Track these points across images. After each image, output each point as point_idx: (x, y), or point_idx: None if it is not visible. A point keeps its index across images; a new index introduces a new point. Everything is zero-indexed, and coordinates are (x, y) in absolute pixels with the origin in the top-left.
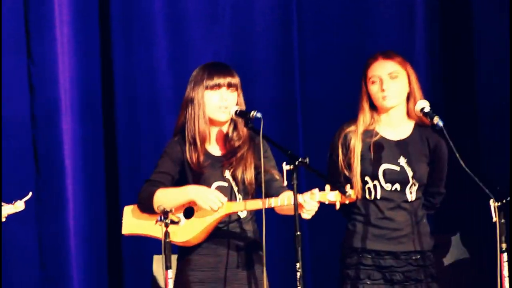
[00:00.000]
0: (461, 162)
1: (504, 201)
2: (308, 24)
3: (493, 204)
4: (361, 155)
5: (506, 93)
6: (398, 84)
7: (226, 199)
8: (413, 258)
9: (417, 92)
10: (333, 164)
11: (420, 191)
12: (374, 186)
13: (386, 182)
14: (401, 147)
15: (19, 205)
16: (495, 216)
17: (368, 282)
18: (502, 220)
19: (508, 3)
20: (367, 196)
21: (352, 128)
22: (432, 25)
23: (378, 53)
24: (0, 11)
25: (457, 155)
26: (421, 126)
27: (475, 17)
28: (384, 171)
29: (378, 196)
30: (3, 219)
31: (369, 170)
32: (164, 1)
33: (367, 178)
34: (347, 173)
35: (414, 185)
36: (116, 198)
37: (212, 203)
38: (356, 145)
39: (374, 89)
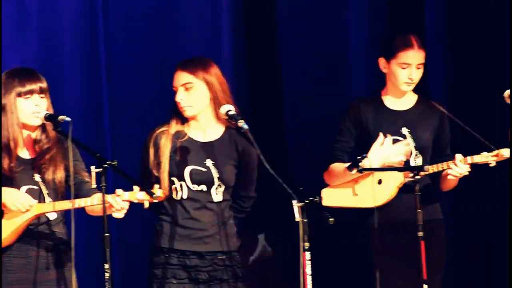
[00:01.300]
0: (266, 164)
1: (306, 201)
2: (115, 30)
3: (296, 204)
4: (170, 156)
5: (310, 98)
6: (193, 94)
7: (35, 201)
8: (219, 258)
9: (222, 96)
10: (144, 164)
11: (227, 193)
12: (181, 186)
13: (192, 183)
14: (208, 149)
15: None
16: (298, 216)
17: (174, 282)
18: (305, 219)
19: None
20: (174, 196)
21: (164, 128)
22: (237, 31)
23: (179, 65)
24: None
25: (261, 157)
26: (232, 129)
27: (278, 24)
28: (191, 172)
29: (185, 196)
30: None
31: (176, 171)
32: None
33: (173, 178)
34: (156, 173)
35: (220, 186)
36: None
37: (19, 204)
38: (166, 145)
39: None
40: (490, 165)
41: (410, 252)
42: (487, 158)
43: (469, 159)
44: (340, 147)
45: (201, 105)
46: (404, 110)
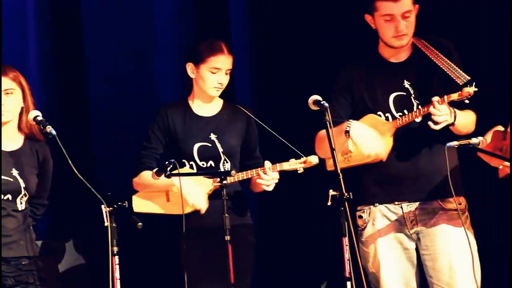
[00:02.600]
0: (74, 169)
1: (115, 206)
2: None
3: (104, 209)
4: None
5: (116, 101)
6: (12, 100)
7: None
8: (23, 263)
9: (31, 104)
10: None
11: (27, 201)
12: None
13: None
14: (15, 158)
15: None
16: (107, 221)
17: None
18: (114, 224)
19: None
20: None
21: None
22: (43, 38)
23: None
24: None
25: (70, 162)
26: (32, 139)
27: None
28: None
29: None
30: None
31: None
32: None
33: None
34: None
35: (26, 195)
36: None
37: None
38: None
39: None
40: (299, 172)
41: (219, 256)
42: (295, 165)
43: (278, 166)
44: (148, 154)
45: (15, 112)
46: (211, 116)
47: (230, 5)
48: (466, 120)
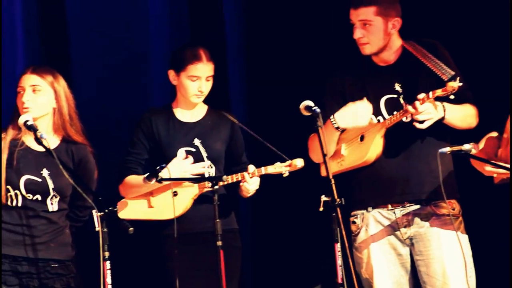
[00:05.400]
0: (65, 174)
1: (106, 211)
2: None
3: (96, 214)
4: (7, 164)
5: (106, 108)
6: (39, 98)
7: None
8: (51, 265)
9: (65, 107)
10: None
11: (64, 202)
12: (16, 194)
13: (27, 193)
14: (44, 159)
15: None
16: (98, 226)
17: None
18: (105, 229)
19: None
20: (9, 204)
21: (1, 135)
22: (31, 43)
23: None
24: None
25: (61, 167)
26: (68, 141)
27: (71, 35)
28: (25, 182)
29: (19, 205)
30: None
31: (11, 179)
32: None
33: (8, 187)
34: None
35: (56, 196)
36: None
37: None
38: (2, 152)
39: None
40: (284, 175)
41: (205, 262)
42: (280, 168)
43: (263, 169)
44: (133, 159)
45: (44, 110)
46: (195, 122)
47: (225, 10)
48: (461, 114)
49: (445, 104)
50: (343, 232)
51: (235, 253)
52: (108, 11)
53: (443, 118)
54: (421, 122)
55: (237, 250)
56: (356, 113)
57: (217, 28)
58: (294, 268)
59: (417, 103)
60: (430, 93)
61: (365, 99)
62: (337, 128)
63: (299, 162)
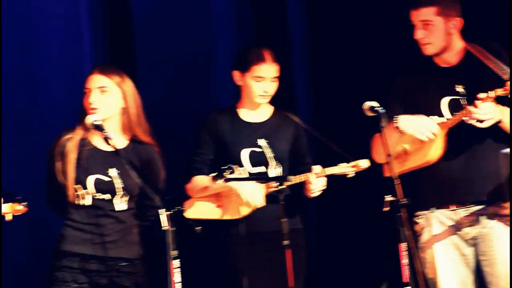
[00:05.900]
0: (132, 175)
1: (173, 210)
2: None
3: (163, 213)
4: (76, 163)
5: (173, 105)
6: (106, 98)
7: None
8: (120, 264)
9: (134, 108)
10: (50, 171)
11: (132, 202)
12: (84, 194)
13: (96, 192)
14: (112, 158)
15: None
16: (167, 225)
17: (75, 285)
18: (173, 228)
19: None
20: (78, 203)
21: (69, 135)
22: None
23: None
24: None
25: (127, 167)
26: (136, 141)
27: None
28: (95, 181)
29: (88, 203)
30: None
31: (79, 179)
32: None
33: (77, 186)
34: (63, 180)
35: (125, 195)
36: None
37: None
38: (71, 152)
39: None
40: (349, 176)
41: (272, 261)
42: (345, 168)
43: (328, 170)
44: (199, 159)
45: (112, 111)
46: (261, 122)
47: (289, 9)
48: None
49: (505, 108)
50: (409, 232)
51: (300, 253)
52: (172, 10)
53: (500, 121)
54: (481, 121)
55: (302, 249)
56: (420, 126)
57: (281, 28)
58: (358, 267)
59: (478, 102)
60: (491, 92)
61: (435, 120)
62: (397, 127)
63: (364, 163)
